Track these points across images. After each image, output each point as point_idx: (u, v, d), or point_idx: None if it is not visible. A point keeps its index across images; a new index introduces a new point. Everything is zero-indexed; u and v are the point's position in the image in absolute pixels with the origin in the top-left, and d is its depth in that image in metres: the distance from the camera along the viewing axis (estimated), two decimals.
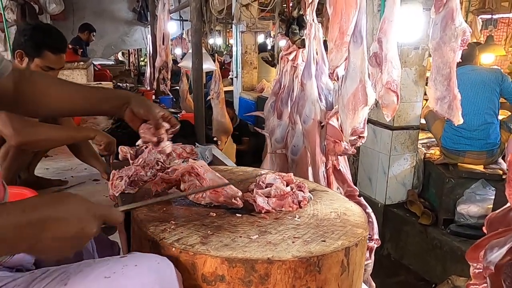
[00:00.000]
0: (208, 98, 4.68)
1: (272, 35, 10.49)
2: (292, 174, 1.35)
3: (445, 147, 3.48)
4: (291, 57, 2.22)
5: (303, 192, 1.25)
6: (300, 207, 1.20)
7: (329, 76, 1.97)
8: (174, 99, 6.43)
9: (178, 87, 6.25)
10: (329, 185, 2.06)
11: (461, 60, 3.33)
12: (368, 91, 1.62)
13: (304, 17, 2.07)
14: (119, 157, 1.93)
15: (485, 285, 0.76)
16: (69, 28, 6.83)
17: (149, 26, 6.45)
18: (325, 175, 2.09)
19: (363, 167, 3.98)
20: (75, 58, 4.87)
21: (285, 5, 2.87)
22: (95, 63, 6.67)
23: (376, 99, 1.66)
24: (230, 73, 8.14)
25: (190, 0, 3.30)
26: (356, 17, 1.65)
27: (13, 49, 2.00)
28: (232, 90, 7.59)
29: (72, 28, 6.88)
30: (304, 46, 2.10)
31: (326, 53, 2.01)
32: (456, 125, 1.43)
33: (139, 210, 1.15)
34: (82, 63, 4.90)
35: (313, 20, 2.02)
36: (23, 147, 1.92)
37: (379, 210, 3.73)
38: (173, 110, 4.91)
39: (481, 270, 0.78)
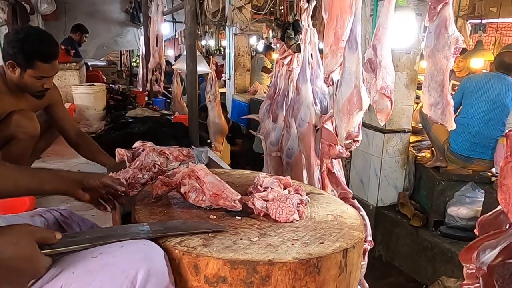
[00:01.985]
0: (205, 101, 4.68)
1: (264, 37, 10.54)
2: (289, 177, 1.38)
3: (455, 151, 3.40)
4: (286, 61, 2.25)
5: (301, 195, 1.28)
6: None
7: (324, 80, 2.00)
8: (168, 100, 6.43)
9: (171, 88, 6.25)
10: (323, 187, 2.09)
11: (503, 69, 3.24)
12: (363, 96, 1.65)
13: (300, 22, 2.10)
14: (116, 159, 1.94)
15: (478, 285, 0.80)
16: (60, 29, 6.78)
17: (142, 27, 6.44)
18: (320, 178, 2.12)
19: (356, 169, 4.03)
20: (67, 59, 4.84)
21: (281, 8, 2.89)
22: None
23: (369, 103, 1.69)
24: (222, 75, 8.15)
25: (185, 2, 3.32)
26: (352, 23, 1.69)
27: (3, 57, 1.93)
28: (225, 92, 7.61)
29: (64, 28, 6.82)
30: (299, 51, 2.13)
31: (321, 57, 2.05)
32: (449, 129, 1.46)
33: (140, 212, 1.16)
34: (74, 64, 4.88)
35: (308, 25, 2.05)
36: None
37: (371, 212, 3.78)
38: (166, 111, 4.91)
39: (474, 271, 0.81)
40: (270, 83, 2.58)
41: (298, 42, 2.13)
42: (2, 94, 2.00)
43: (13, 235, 0.79)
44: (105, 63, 8.54)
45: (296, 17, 2.13)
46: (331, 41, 1.82)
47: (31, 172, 1.15)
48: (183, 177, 1.22)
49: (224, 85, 7.78)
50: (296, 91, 2.14)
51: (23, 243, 0.79)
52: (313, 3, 2.05)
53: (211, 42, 12.06)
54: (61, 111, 2.29)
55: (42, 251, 0.82)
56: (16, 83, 1.96)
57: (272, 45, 8.55)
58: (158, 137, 3.09)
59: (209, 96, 4.60)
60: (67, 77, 4.80)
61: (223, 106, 5.90)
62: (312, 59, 2.11)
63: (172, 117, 4.23)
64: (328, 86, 2.03)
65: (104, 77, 6.44)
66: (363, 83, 1.69)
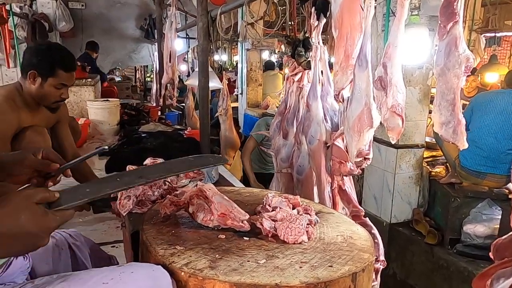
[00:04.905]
0: (216, 115, 4.73)
1: (276, 52, 10.63)
2: (298, 196, 1.36)
3: (465, 167, 3.36)
4: (297, 78, 2.26)
5: (310, 215, 1.27)
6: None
7: (334, 97, 1.99)
8: (181, 113, 6.49)
9: (184, 104, 6.32)
10: (334, 205, 2.06)
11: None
12: (373, 114, 1.64)
13: (310, 40, 2.11)
14: None
15: None
16: (77, 45, 6.95)
17: (156, 43, 6.56)
18: (331, 195, 2.09)
19: (368, 185, 3.97)
20: (83, 75, 4.95)
21: (290, 23, 2.90)
22: None
23: (379, 121, 1.68)
24: (235, 89, 8.22)
25: (198, 19, 3.37)
26: (361, 41, 1.68)
27: (24, 69, 2.06)
28: (237, 107, 7.65)
29: (80, 45, 6.99)
30: (309, 68, 2.13)
31: (332, 73, 2.05)
32: (460, 149, 1.44)
33: (147, 232, 1.16)
34: (90, 80, 4.99)
35: (318, 43, 2.06)
36: None
37: (385, 229, 3.71)
38: (178, 126, 4.95)
39: None
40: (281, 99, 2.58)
41: (308, 59, 2.13)
42: (19, 108, 2.07)
43: (10, 205, 0.74)
44: (119, 79, 8.71)
45: (307, 35, 2.14)
46: (341, 58, 1.82)
47: None
48: (191, 197, 1.22)
49: (236, 100, 7.84)
50: (307, 108, 2.13)
51: (22, 211, 0.74)
52: (323, 21, 2.05)
53: (224, 57, 12.20)
54: (65, 130, 2.43)
55: (53, 209, 0.79)
56: (34, 95, 2.07)
57: (283, 62, 8.60)
58: (170, 152, 3.12)
59: (221, 110, 4.65)
60: (82, 93, 4.90)
61: (235, 120, 5.95)
62: (322, 76, 2.11)
63: (184, 132, 4.27)
64: (339, 103, 2.02)
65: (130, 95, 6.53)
66: (374, 100, 1.67)
